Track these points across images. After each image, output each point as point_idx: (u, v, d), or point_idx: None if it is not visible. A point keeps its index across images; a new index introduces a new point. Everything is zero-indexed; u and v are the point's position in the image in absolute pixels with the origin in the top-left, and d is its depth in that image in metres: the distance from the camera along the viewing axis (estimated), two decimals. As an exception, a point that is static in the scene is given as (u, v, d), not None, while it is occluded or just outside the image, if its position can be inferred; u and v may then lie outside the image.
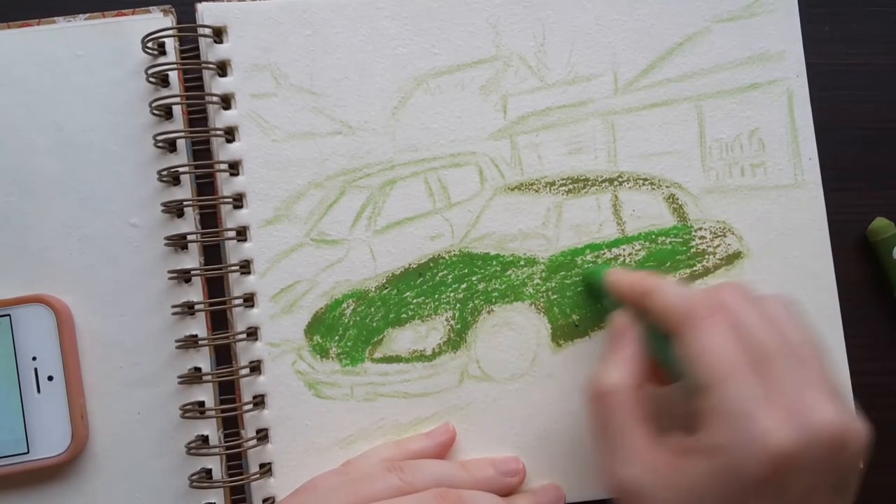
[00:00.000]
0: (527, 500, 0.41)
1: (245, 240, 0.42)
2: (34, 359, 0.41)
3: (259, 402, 0.42)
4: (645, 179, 0.43)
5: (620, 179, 0.43)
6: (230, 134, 0.42)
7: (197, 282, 0.42)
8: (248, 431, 0.42)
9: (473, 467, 0.41)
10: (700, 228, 0.43)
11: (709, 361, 0.33)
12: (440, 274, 0.43)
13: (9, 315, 0.41)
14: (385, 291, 0.43)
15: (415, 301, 0.43)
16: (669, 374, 0.37)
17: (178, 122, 0.43)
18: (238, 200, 0.42)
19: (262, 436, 0.42)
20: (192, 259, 0.43)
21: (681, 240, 0.43)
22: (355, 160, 0.43)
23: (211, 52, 0.43)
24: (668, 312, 0.36)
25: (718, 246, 0.43)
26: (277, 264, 0.42)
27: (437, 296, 0.43)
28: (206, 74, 0.43)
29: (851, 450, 0.31)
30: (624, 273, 0.40)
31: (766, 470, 0.30)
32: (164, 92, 0.42)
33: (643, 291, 0.37)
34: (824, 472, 0.31)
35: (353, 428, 0.42)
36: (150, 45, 0.42)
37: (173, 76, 0.43)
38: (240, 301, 0.42)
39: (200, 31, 0.42)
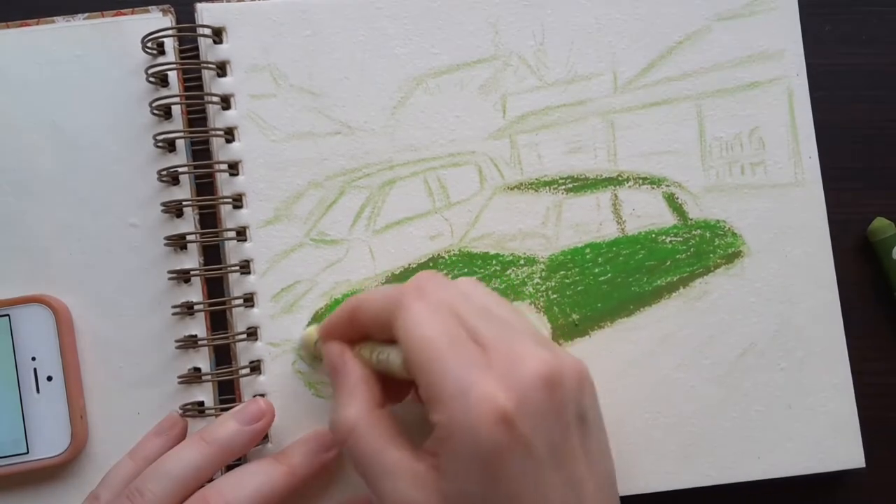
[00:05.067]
0: (300, 448, 0.40)
1: (245, 240, 0.42)
2: (33, 359, 0.41)
3: (259, 401, 0.42)
4: (645, 178, 0.43)
5: (620, 178, 0.43)
6: (230, 134, 0.42)
7: (197, 282, 0.42)
8: (248, 431, 0.42)
9: (213, 432, 0.39)
10: (700, 227, 0.43)
11: (418, 345, 0.32)
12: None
13: (8, 315, 0.41)
14: (385, 291, 0.43)
15: (415, 301, 0.43)
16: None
17: (178, 122, 0.43)
18: (238, 200, 0.42)
19: (263, 437, 0.42)
20: (191, 259, 0.43)
21: (681, 239, 0.43)
22: (355, 160, 0.43)
23: (211, 52, 0.43)
24: (377, 315, 0.35)
25: (718, 245, 0.43)
26: (277, 264, 0.42)
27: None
28: (206, 74, 0.43)
29: (569, 383, 0.32)
30: (328, 317, 0.39)
31: (499, 433, 0.30)
32: (164, 92, 0.42)
33: (350, 311, 0.37)
34: (555, 412, 0.31)
35: (352, 428, 0.42)
36: (149, 44, 0.42)
37: (172, 76, 0.43)
38: (240, 301, 0.42)
39: (200, 31, 0.42)
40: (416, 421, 0.34)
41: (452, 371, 0.31)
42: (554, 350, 0.33)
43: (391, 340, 0.35)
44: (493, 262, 0.43)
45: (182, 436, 0.41)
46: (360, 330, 0.37)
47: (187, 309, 0.42)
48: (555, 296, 0.43)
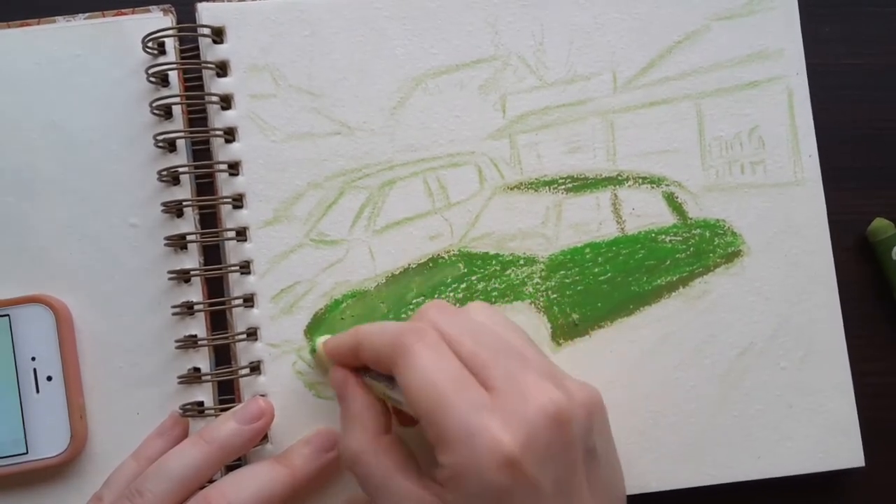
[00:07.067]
0: (302, 449, 0.40)
1: (245, 240, 0.42)
2: (33, 359, 0.41)
3: (258, 401, 0.42)
4: (644, 178, 0.43)
5: (620, 178, 0.43)
6: (230, 134, 0.43)
7: (197, 282, 0.42)
8: (248, 431, 0.42)
9: (213, 431, 0.39)
10: (700, 227, 0.43)
11: (421, 391, 0.32)
12: (440, 274, 0.43)
13: (8, 315, 0.41)
14: (385, 291, 0.43)
15: (415, 301, 0.43)
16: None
17: (178, 121, 0.43)
18: (238, 201, 0.42)
19: (263, 436, 0.42)
20: (191, 259, 0.43)
21: (681, 238, 0.43)
22: (354, 160, 0.43)
23: (210, 52, 0.43)
24: (379, 356, 0.35)
25: (718, 244, 0.43)
26: (277, 265, 0.42)
27: (436, 295, 0.43)
28: (206, 75, 0.43)
29: (578, 420, 0.32)
30: (331, 339, 0.39)
31: (505, 478, 0.30)
32: (164, 92, 0.42)
33: (351, 346, 0.37)
34: (562, 450, 0.31)
35: (352, 427, 0.42)
36: (150, 44, 0.42)
37: (173, 76, 0.43)
38: (240, 301, 0.42)
39: (200, 31, 0.42)
40: (424, 442, 0.34)
41: (456, 416, 0.31)
42: (564, 383, 0.33)
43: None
44: (493, 261, 0.43)
45: (183, 436, 0.41)
46: (362, 362, 0.37)
47: (187, 309, 0.42)
48: (555, 295, 0.43)
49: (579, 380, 0.35)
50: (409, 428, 0.39)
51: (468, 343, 0.34)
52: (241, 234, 0.42)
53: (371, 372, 0.37)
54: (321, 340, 0.40)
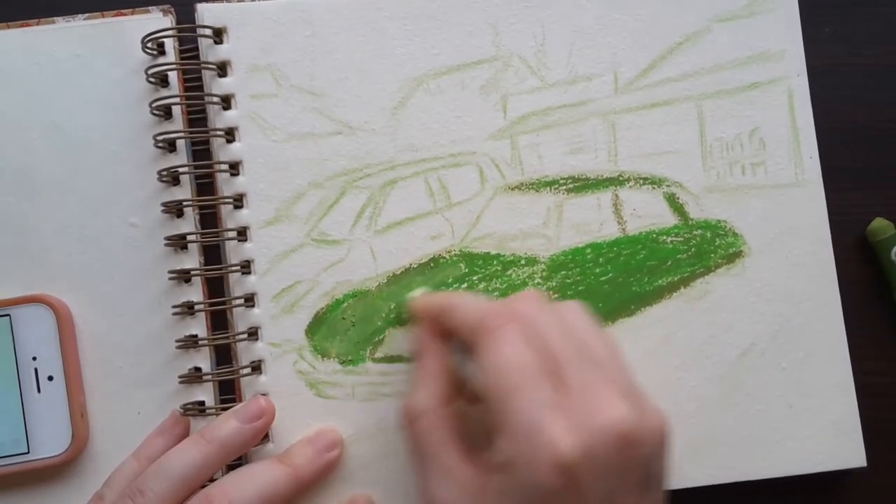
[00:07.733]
0: (304, 449, 0.40)
1: (245, 240, 0.42)
2: (34, 359, 0.41)
3: (260, 402, 0.42)
4: (646, 179, 0.43)
5: (621, 179, 0.43)
6: (230, 134, 0.42)
7: (197, 282, 0.42)
8: (249, 432, 0.42)
9: (214, 430, 0.39)
10: (701, 227, 0.43)
11: (498, 373, 0.32)
12: (441, 274, 0.43)
13: (9, 315, 0.41)
14: (386, 291, 0.43)
15: (415, 301, 0.43)
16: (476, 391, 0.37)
17: (178, 122, 0.43)
18: (238, 201, 0.42)
19: (263, 435, 0.42)
20: (192, 259, 0.42)
21: (682, 239, 0.43)
22: (355, 160, 0.43)
23: (211, 52, 0.43)
24: (464, 325, 0.36)
25: (719, 245, 0.43)
26: (278, 264, 0.42)
27: (437, 295, 0.43)
28: (207, 75, 0.43)
29: (645, 445, 0.31)
30: (425, 295, 0.40)
31: (556, 480, 0.30)
32: (164, 92, 0.42)
33: (442, 308, 0.38)
34: (621, 470, 0.31)
35: (354, 428, 0.42)
36: (149, 45, 0.42)
37: (173, 76, 0.43)
38: (240, 301, 0.42)
39: (200, 31, 0.42)
40: (481, 422, 0.34)
41: (525, 407, 0.31)
42: (640, 403, 0.32)
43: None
44: (494, 262, 0.43)
45: (184, 435, 0.41)
46: (446, 325, 0.37)
47: (188, 309, 0.42)
48: (556, 296, 0.43)
49: (655, 403, 0.34)
50: (469, 405, 0.38)
51: (552, 340, 0.33)
52: (242, 233, 0.42)
53: (451, 341, 0.37)
54: (415, 293, 0.41)
